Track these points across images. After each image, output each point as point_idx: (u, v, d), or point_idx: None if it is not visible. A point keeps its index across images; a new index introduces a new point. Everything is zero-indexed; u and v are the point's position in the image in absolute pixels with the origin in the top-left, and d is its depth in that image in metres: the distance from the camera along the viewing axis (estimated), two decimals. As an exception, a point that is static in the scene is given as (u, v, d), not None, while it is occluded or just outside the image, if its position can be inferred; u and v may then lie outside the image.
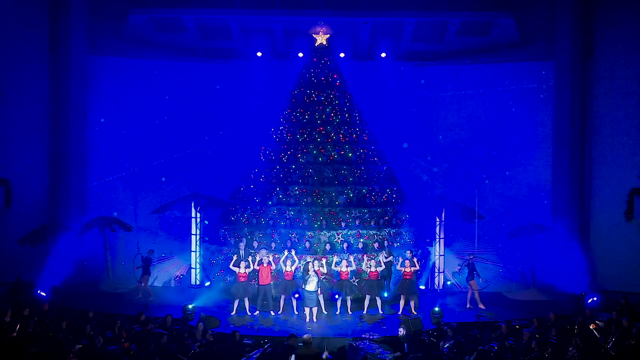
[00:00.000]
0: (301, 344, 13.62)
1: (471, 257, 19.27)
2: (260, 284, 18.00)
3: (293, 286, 18.11)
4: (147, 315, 16.08)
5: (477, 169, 22.75)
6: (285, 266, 18.11)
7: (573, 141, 21.26)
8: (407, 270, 18.24)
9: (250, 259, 18.28)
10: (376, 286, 18.26)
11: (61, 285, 19.34)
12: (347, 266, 18.32)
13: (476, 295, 18.87)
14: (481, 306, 18.66)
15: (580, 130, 21.32)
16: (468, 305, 18.81)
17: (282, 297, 18.25)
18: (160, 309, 17.82)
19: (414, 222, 21.33)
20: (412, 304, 18.35)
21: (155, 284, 21.12)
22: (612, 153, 21.23)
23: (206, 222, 21.38)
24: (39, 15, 21.12)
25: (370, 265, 18.34)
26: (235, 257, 18.43)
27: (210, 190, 22.54)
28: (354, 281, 18.67)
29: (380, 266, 18.56)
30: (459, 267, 20.38)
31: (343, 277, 18.20)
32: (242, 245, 19.35)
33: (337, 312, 18.10)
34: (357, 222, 20.18)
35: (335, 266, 18.44)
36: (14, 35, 20.78)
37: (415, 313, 18.12)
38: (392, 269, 19.15)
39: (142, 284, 19.60)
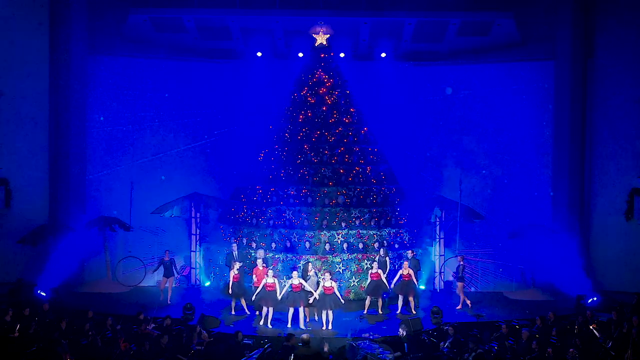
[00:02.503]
0: (301, 344, 13.64)
1: (460, 257, 19.13)
2: (255, 286, 17.66)
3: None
4: (145, 315, 16.08)
5: (477, 168, 22.74)
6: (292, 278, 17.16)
7: (573, 141, 21.23)
8: (405, 272, 18.20)
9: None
10: (378, 287, 18.18)
11: (61, 285, 19.32)
12: (331, 279, 17.03)
13: (462, 296, 18.90)
14: (468, 303, 18.72)
15: (580, 130, 21.29)
16: (459, 307, 18.77)
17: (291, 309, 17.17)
18: (160, 309, 17.88)
19: (414, 222, 21.32)
20: (411, 304, 18.33)
21: (155, 284, 21.15)
22: (612, 153, 21.19)
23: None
24: (39, 15, 21.09)
25: (372, 267, 18.29)
26: (237, 265, 18.11)
27: (210, 190, 22.54)
28: (353, 282, 18.67)
29: (386, 267, 18.55)
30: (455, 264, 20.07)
31: (327, 292, 16.84)
32: (234, 247, 19.29)
33: (322, 328, 16.91)
34: (357, 222, 20.18)
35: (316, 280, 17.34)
36: (14, 35, 20.77)
37: (415, 313, 18.12)
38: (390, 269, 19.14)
39: (167, 285, 19.20)
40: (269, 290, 17.02)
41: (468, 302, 18.86)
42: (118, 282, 20.97)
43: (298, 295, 16.90)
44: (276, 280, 17.22)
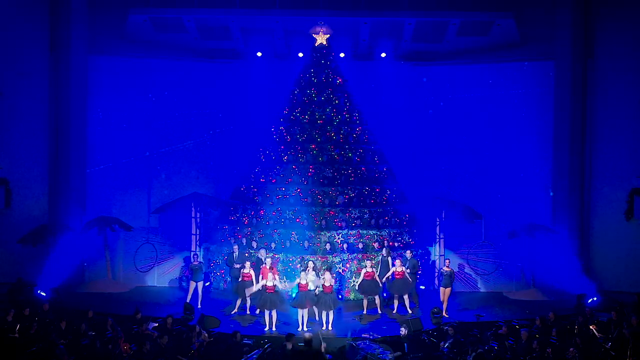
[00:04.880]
0: (302, 344, 13.61)
1: (447, 261, 18.95)
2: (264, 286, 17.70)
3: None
4: (142, 315, 16.09)
5: (476, 168, 22.74)
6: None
7: (573, 141, 21.26)
8: (398, 269, 18.14)
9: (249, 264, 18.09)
10: (370, 286, 18.15)
11: (61, 285, 19.32)
12: (330, 278, 16.90)
13: (445, 304, 18.43)
14: (445, 314, 18.10)
15: (580, 130, 21.32)
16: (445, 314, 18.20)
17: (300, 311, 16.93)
18: (160, 309, 17.89)
19: (414, 222, 21.32)
20: (406, 302, 18.26)
21: (156, 284, 21.15)
22: (612, 153, 21.22)
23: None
24: (39, 15, 21.13)
25: (366, 266, 18.24)
26: (248, 263, 18.03)
27: (210, 190, 22.53)
28: (353, 281, 18.64)
29: (389, 267, 18.43)
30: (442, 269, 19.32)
31: (326, 290, 16.77)
32: (235, 247, 19.19)
33: (323, 328, 16.80)
34: (357, 222, 20.18)
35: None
36: (14, 35, 20.78)
37: (411, 311, 18.09)
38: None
39: (195, 289, 18.84)
40: (269, 293, 16.83)
41: (444, 311, 18.15)
42: (136, 270, 21.04)
43: (305, 294, 16.69)
44: (276, 277, 17.25)
